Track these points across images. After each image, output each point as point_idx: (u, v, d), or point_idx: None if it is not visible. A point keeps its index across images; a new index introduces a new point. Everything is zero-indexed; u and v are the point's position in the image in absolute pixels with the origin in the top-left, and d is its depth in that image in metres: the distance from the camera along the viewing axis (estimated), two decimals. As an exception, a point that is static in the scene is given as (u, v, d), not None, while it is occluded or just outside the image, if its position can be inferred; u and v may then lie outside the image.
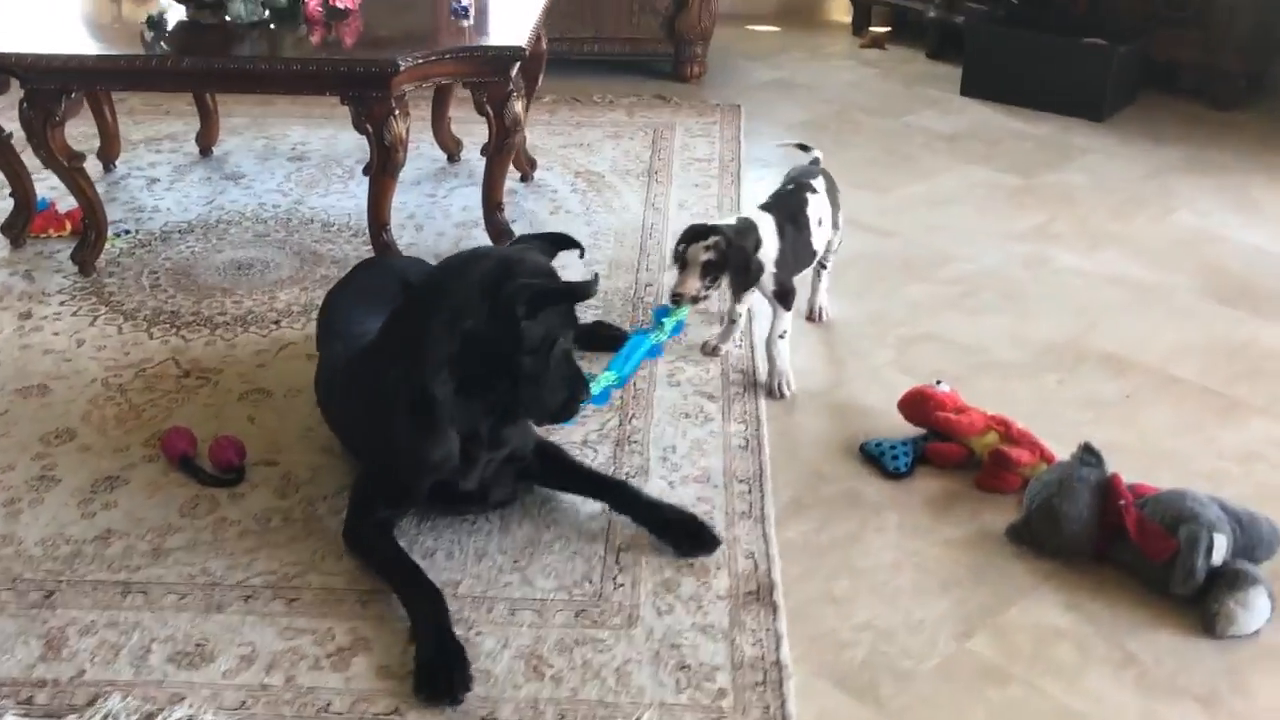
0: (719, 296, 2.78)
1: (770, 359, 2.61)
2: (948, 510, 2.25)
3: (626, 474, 2.31)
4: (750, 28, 5.52)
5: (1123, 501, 2.04)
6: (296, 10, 3.04)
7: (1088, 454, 2.13)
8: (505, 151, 3.04)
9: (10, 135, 3.02)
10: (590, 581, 2.03)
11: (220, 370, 2.65)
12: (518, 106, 2.98)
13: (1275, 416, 2.54)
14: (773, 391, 2.59)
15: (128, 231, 3.31)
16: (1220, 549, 1.95)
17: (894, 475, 2.32)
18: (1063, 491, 2.07)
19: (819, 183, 2.73)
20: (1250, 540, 2.03)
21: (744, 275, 2.48)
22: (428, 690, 1.79)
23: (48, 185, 3.24)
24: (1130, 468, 2.29)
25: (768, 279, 2.55)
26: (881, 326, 2.89)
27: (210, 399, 2.55)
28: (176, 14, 3.04)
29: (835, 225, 2.80)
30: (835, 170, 2.89)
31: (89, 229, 3.05)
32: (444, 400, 1.96)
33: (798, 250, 2.61)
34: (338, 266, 3.08)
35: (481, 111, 3.02)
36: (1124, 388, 2.64)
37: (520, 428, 2.14)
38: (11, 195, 3.18)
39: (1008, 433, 2.31)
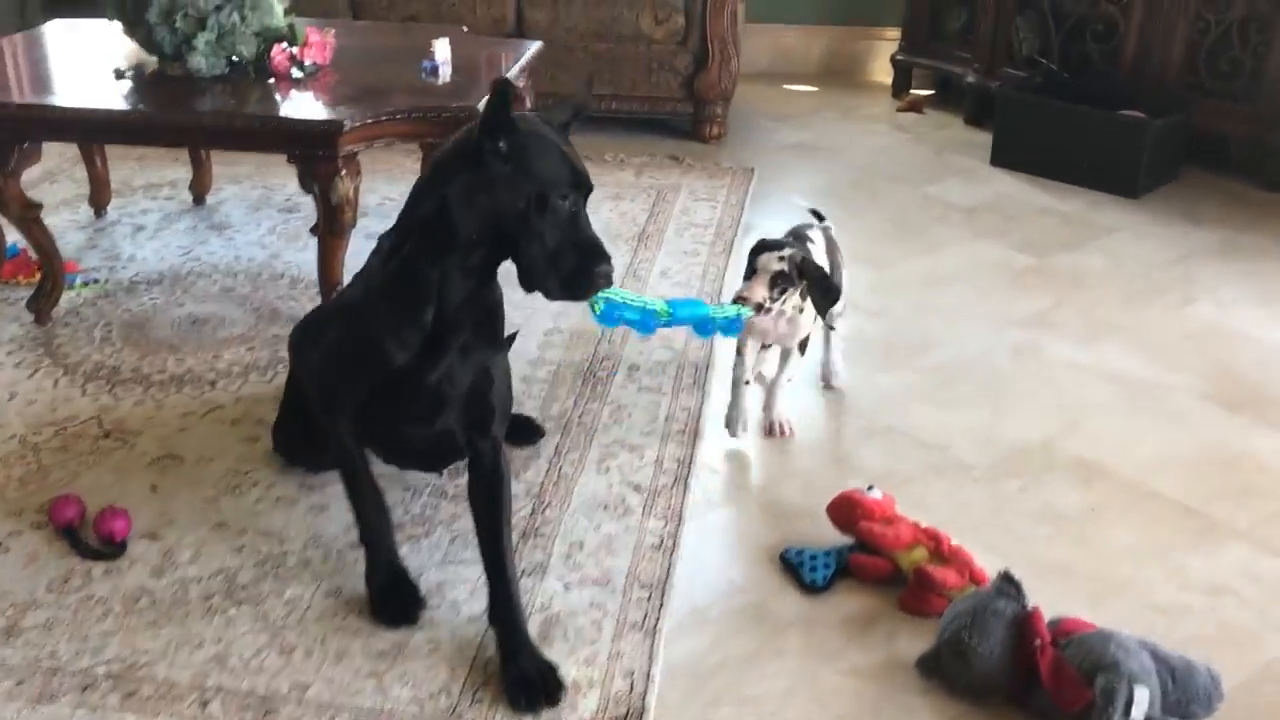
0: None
1: (770, 398, 2.63)
2: (861, 633, 2.04)
3: (523, 571, 2.15)
4: (787, 87, 5.38)
5: (1038, 641, 1.82)
6: (263, 64, 2.98)
7: (1006, 584, 1.91)
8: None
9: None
10: (448, 694, 1.87)
11: (140, 432, 2.57)
12: (475, 170, 2.86)
13: (1257, 543, 2.29)
14: (772, 431, 2.61)
15: (96, 280, 3.28)
16: (1142, 704, 1.73)
17: (811, 589, 2.13)
18: (974, 625, 1.86)
19: (816, 234, 2.69)
20: (1185, 694, 1.80)
21: (826, 290, 2.45)
22: (385, 616, 2.01)
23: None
24: (1077, 595, 2.09)
25: None
26: (841, 417, 2.70)
27: (121, 462, 2.47)
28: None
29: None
30: (839, 241, 2.76)
31: (45, 278, 3.02)
32: (417, 260, 1.86)
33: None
34: (291, 326, 3.00)
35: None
36: (1090, 500, 2.41)
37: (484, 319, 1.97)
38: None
39: (938, 549, 2.11)
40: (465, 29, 3.59)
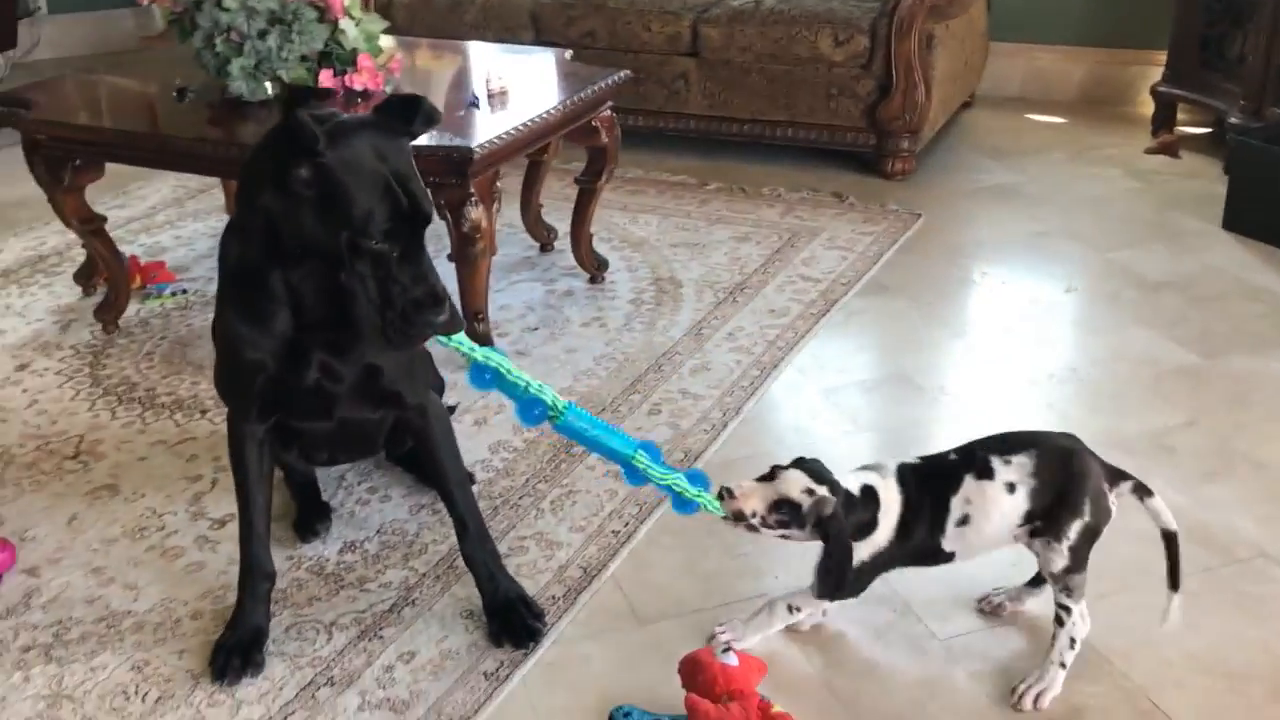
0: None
1: (755, 613, 1.97)
2: (645, 836, 1.66)
3: (327, 680, 1.94)
4: (1030, 116, 4.72)
5: None
6: (311, 89, 2.92)
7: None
8: (468, 261, 2.73)
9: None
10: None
11: (104, 457, 2.59)
12: (475, 213, 2.66)
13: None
14: (711, 638, 1.97)
15: (184, 291, 3.37)
16: None
17: (619, 761, 1.76)
18: None
19: (1009, 468, 1.81)
20: None
21: (828, 570, 1.79)
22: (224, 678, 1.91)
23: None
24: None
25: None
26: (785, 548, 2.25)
27: (65, 488, 2.48)
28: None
29: (1036, 536, 1.83)
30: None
31: (110, 289, 3.14)
32: (262, 274, 1.76)
33: (911, 548, 1.84)
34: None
35: (441, 215, 2.72)
36: (1068, 706, 1.84)
37: (390, 354, 1.86)
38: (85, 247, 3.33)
39: (771, 746, 1.68)
40: (569, 54, 3.37)
